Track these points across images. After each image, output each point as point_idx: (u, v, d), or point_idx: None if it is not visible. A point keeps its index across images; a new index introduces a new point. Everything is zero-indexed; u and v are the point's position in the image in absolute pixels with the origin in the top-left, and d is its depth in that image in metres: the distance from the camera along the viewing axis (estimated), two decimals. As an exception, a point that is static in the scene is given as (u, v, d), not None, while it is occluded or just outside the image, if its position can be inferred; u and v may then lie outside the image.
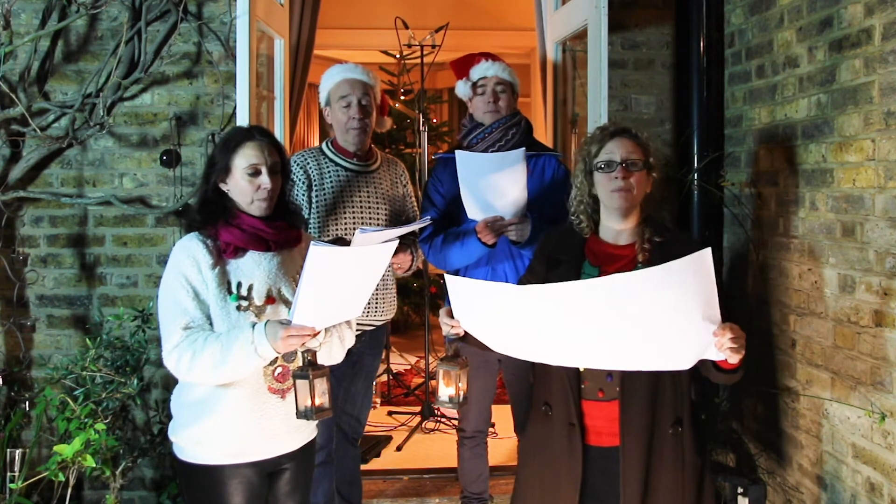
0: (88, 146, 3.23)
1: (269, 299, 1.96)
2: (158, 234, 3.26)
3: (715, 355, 1.68)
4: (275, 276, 1.99)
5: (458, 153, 2.59)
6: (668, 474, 1.91)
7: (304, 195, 2.65)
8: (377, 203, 2.72)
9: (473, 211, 2.60)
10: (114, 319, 3.04)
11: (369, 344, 2.75)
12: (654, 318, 1.60)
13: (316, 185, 2.66)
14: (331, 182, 2.68)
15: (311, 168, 2.68)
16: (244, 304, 1.93)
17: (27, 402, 3.16)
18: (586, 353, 1.74)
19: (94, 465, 2.73)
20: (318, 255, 1.72)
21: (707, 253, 1.52)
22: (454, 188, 2.65)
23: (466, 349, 1.96)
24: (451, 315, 1.86)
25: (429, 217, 2.68)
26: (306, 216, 2.63)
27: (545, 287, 1.66)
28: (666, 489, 1.90)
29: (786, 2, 2.82)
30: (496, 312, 1.77)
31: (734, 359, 1.68)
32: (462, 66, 2.85)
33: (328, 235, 2.64)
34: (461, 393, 1.94)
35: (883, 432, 2.30)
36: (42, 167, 3.21)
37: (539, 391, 2.05)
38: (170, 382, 3.04)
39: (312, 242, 1.72)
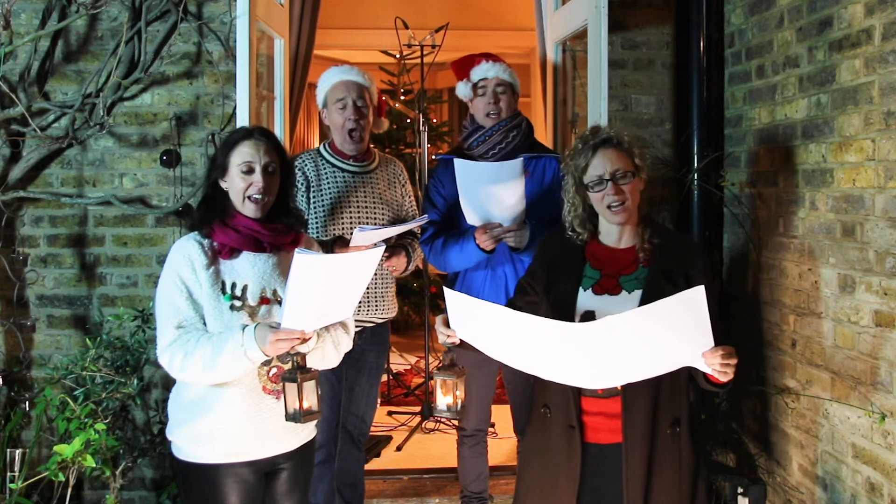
0: (88, 146, 3.23)
1: (264, 300, 1.97)
2: (158, 234, 3.26)
3: (704, 367, 1.70)
4: (269, 277, 1.99)
5: (457, 161, 2.59)
6: (667, 473, 1.91)
7: (302, 197, 2.66)
8: (375, 203, 2.72)
9: (472, 218, 2.60)
10: (114, 319, 3.04)
11: (371, 341, 2.75)
12: (646, 347, 1.64)
13: (314, 187, 2.67)
14: (328, 184, 2.68)
15: (308, 170, 2.69)
16: (237, 304, 1.94)
17: (27, 402, 3.16)
18: (578, 375, 1.76)
19: (94, 465, 2.73)
20: (303, 264, 1.73)
21: (700, 291, 1.53)
22: (455, 190, 2.65)
23: (465, 349, 1.97)
24: (447, 324, 1.86)
25: (427, 216, 2.68)
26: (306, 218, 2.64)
27: (543, 320, 1.68)
28: (665, 487, 1.91)
29: (786, 2, 2.82)
30: (493, 329, 1.80)
31: (723, 378, 1.70)
32: (462, 67, 2.85)
33: (328, 237, 2.64)
34: (459, 402, 1.95)
35: (883, 432, 2.30)
36: (42, 167, 3.21)
37: (538, 393, 2.05)
38: (169, 382, 3.03)
39: (297, 250, 1.74)
